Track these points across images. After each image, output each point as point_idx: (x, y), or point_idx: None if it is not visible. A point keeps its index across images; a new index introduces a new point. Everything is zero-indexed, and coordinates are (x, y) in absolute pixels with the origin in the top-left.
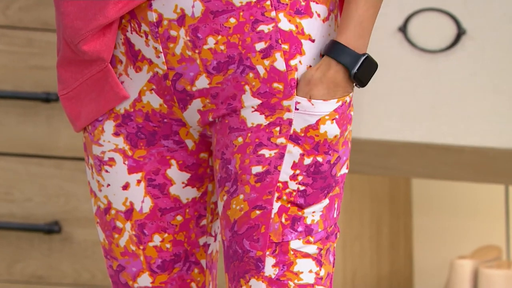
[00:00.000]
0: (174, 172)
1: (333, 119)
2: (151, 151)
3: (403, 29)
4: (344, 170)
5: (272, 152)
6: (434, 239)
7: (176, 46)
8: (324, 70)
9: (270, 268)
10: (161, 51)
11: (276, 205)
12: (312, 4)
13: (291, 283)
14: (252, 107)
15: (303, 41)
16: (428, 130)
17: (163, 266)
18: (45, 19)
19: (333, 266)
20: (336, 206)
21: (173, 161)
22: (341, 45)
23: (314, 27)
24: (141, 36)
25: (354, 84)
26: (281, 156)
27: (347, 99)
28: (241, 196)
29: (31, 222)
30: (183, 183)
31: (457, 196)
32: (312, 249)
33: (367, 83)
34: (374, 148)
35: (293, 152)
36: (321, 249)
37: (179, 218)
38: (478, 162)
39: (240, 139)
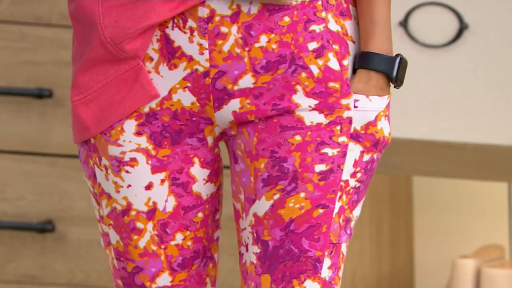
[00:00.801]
0: (196, 170)
1: (385, 116)
2: (175, 150)
3: (404, 23)
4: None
5: (335, 151)
6: (435, 238)
7: (225, 43)
8: (366, 81)
9: (326, 269)
10: (207, 47)
11: (337, 205)
12: (351, 7)
13: (336, 287)
14: (309, 106)
15: (348, 42)
16: (430, 127)
17: (183, 264)
18: (37, 14)
19: None
20: None
21: (195, 159)
22: (375, 54)
23: (354, 29)
24: (185, 32)
25: (394, 85)
26: (343, 154)
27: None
28: (302, 194)
29: (24, 221)
30: (204, 179)
31: (459, 194)
32: (345, 253)
33: (403, 82)
34: None
35: (354, 150)
36: (345, 254)
37: (200, 215)
38: (481, 159)
39: (298, 137)
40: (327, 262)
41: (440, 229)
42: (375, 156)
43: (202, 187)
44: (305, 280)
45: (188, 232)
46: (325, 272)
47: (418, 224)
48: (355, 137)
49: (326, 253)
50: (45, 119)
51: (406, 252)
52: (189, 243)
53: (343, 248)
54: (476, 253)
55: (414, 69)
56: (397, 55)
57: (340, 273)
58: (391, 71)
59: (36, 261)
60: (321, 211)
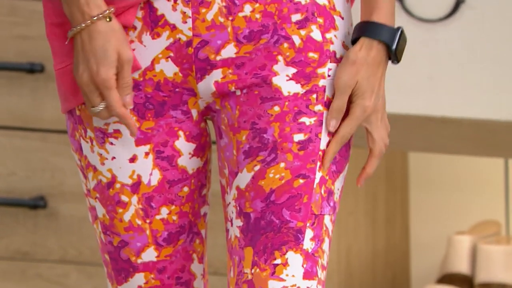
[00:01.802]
0: (182, 143)
1: None
2: (159, 123)
3: None
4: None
5: (312, 120)
6: (431, 214)
7: (208, 12)
8: (367, 50)
9: (308, 241)
10: (190, 16)
11: (318, 175)
12: None
13: (320, 261)
14: (287, 75)
15: (335, 16)
16: (426, 102)
17: (169, 239)
18: None
19: None
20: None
21: (180, 132)
22: (378, 24)
23: (342, 5)
24: (169, 0)
25: (391, 60)
26: (320, 123)
27: None
28: (282, 164)
29: (15, 197)
30: (189, 153)
31: (455, 170)
32: (331, 228)
33: (401, 58)
34: None
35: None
36: (332, 231)
37: (185, 189)
38: (477, 135)
39: (276, 108)
40: (309, 233)
41: (436, 205)
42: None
43: (187, 161)
44: (287, 251)
45: (173, 207)
46: (308, 244)
47: (414, 200)
48: (328, 105)
49: (308, 224)
50: (36, 94)
51: (402, 228)
52: (175, 217)
53: (326, 220)
54: (472, 229)
55: (411, 43)
56: (399, 28)
57: (324, 246)
58: (392, 42)
59: (28, 237)
60: (301, 181)
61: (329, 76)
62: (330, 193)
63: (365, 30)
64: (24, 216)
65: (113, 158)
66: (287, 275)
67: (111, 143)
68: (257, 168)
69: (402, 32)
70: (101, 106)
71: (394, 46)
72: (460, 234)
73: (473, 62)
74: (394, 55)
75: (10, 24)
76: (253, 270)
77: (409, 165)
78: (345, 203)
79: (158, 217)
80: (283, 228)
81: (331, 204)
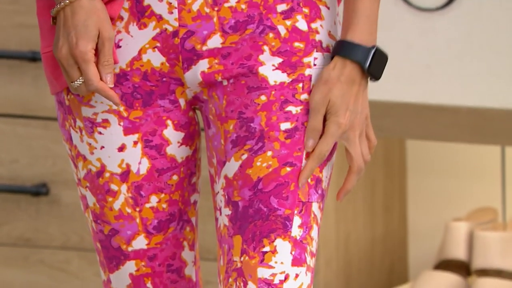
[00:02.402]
0: (170, 132)
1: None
2: (147, 112)
3: None
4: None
5: (298, 109)
6: (429, 201)
7: (194, 2)
8: (340, 69)
9: (296, 228)
10: (176, 6)
11: (305, 163)
12: None
13: (308, 248)
14: (273, 65)
15: (321, 6)
16: (424, 90)
17: (159, 227)
18: None
19: None
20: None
21: (169, 121)
22: (351, 43)
23: None
24: None
25: (369, 78)
26: (306, 112)
27: None
28: (269, 153)
29: (18, 184)
30: (178, 142)
31: (452, 157)
32: (319, 215)
33: (380, 76)
34: (369, 108)
35: None
36: (321, 218)
37: (175, 177)
38: (475, 122)
39: (263, 97)
40: (297, 220)
41: (433, 192)
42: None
43: (176, 150)
44: (275, 238)
45: (163, 195)
46: (296, 231)
47: (411, 187)
48: None
49: (296, 212)
50: (38, 82)
51: (400, 215)
52: (164, 205)
53: (315, 208)
54: (469, 216)
55: (408, 32)
56: (374, 46)
57: (313, 233)
58: (364, 62)
59: (31, 224)
60: (288, 169)
61: (315, 65)
62: (318, 181)
63: (339, 49)
64: (27, 203)
65: (102, 147)
66: (276, 262)
67: (100, 133)
68: (244, 157)
69: (377, 50)
70: (80, 80)
71: (366, 66)
72: (457, 221)
73: (470, 51)
74: (369, 73)
75: (11, 12)
76: (242, 258)
77: (407, 153)
78: None
79: (147, 205)
80: (271, 216)
81: (319, 191)
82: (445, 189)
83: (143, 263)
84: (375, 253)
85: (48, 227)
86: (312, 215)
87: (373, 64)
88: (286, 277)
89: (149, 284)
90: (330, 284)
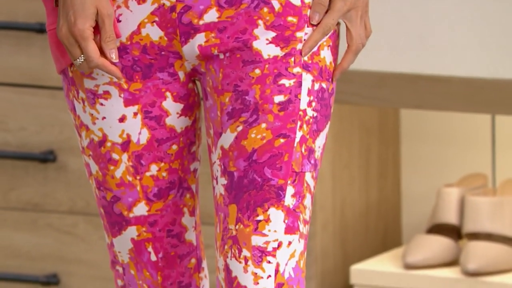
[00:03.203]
0: (169, 104)
1: (328, 46)
2: (146, 84)
3: None
4: (332, 104)
5: (291, 81)
6: (422, 168)
7: None
8: None
9: (289, 197)
10: None
11: (298, 134)
12: None
13: (301, 216)
14: (267, 39)
15: None
16: (417, 61)
17: (159, 194)
18: None
19: None
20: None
21: (168, 93)
22: None
23: None
24: None
25: None
26: (299, 84)
27: (337, 28)
28: (264, 125)
29: (26, 151)
30: (177, 113)
31: (444, 125)
32: (313, 184)
33: None
34: (364, 79)
35: (307, 79)
36: (315, 187)
37: (174, 147)
38: (466, 92)
39: (257, 71)
40: (290, 190)
41: (426, 159)
42: (323, 85)
43: (175, 121)
44: (269, 208)
45: (162, 164)
46: (289, 200)
47: (405, 155)
48: (305, 67)
49: (289, 182)
50: (45, 53)
51: (394, 181)
52: (164, 174)
53: (308, 177)
54: (460, 181)
55: (402, 4)
56: None
57: (306, 202)
58: None
59: (39, 189)
60: (282, 140)
61: (305, 40)
62: (310, 151)
63: None
64: (35, 169)
65: (104, 118)
66: (269, 230)
67: (101, 104)
68: (239, 128)
69: None
70: (81, 58)
71: None
72: (449, 187)
73: (462, 22)
74: None
75: None
76: (237, 226)
77: (401, 121)
78: (340, 157)
79: (148, 173)
80: (265, 185)
81: (312, 161)
82: (437, 156)
83: (144, 229)
84: (370, 218)
85: (55, 192)
86: (305, 185)
87: None
88: (279, 245)
89: (150, 249)
90: (327, 247)
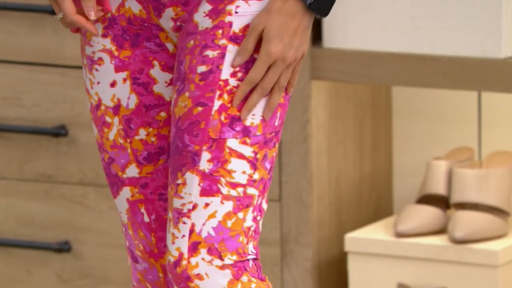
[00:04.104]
0: (156, 72)
1: None
2: (135, 52)
3: None
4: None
5: (215, 53)
6: (412, 142)
7: None
8: (282, 2)
9: (205, 162)
10: None
11: (217, 103)
12: None
13: (222, 179)
14: (204, 12)
15: None
16: (408, 41)
17: (149, 158)
18: None
19: (269, 174)
20: (278, 114)
21: (155, 62)
22: None
23: None
24: None
25: (315, 14)
26: (222, 56)
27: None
28: (187, 94)
29: (39, 126)
30: (166, 82)
31: (433, 102)
32: (247, 151)
33: (327, 13)
34: (358, 58)
35: (233, 51)
36: (256, 153)
37: (163, 114)
38: (454, 70)
39: (192, 42)
40: (205, 155)
41: (416, 134)
42: (255, 55)
43: (163, 89)
44: (185, 172)
45: (151, 129)
46: (204, 165)
47: (396, 130)
48: (234, 39)
49: (205, 148)
50: (58, 34)
51: (386, 154)
52: (153, 139)
53: (232, 143)
54: (448, 155)
55: None
56: None
57: (228, 167)
58: None
59: (51, 162)
60: (200, 109)
61: (236, 13)
62: (233, 118)
63: None
64: (48, 143)
65: (98, 82)
66: (185, 193)
67: (96, 70)
68: (174, 96)
69: None
70: (60, 14)
71: (308, 2)
72: (437, 159)
73: (451, 4)
74: (311, 10)
75: None
76: (169, 188)
77: (393, 98)
78: (335, 132)
79: (137, 137)
80: (184, 151)
81: (238, 128)
82: (427, 131)
83: (136, 190)
84: (363, 189)
85: (67, 165)
86: (227, 150)
87: (316, 2)
88: (194, 206)
89: (142, 210)
90: (323, 217)
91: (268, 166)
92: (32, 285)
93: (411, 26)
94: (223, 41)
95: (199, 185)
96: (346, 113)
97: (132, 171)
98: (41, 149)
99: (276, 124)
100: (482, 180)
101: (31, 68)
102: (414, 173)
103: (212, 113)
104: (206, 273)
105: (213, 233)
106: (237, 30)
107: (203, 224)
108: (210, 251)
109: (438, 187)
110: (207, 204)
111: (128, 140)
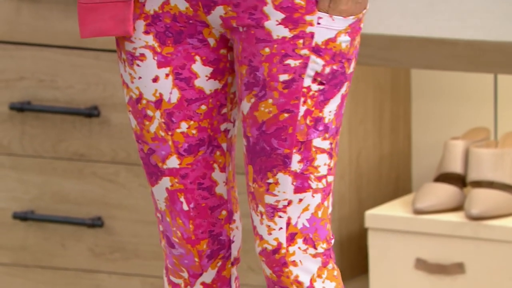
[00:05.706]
0: (198, 67)
1: (346, 33)
2: (177, 48)
3: None
4: (351, 70)
5: (297, 62)
6: (430, 123)
7: None
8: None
9: (296, 163)
10: None
11: (302, 109)
12: None
13: (312, 176)
14: (276, 20)
15: None
16: (427, 26)
17: (189, 150)
18: None
19: (337, 155)
20: (344, 104)
21: (197, 57)
22: None
23: None
24: None
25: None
26: (304, 65)
27: (361, 16)
28: (270, 101)
29: (73, 107)
30: (206, 76)
31: (451, 84)
32: (326, 144)
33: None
34: (378, 42)
35: (315, 62)
36: (331, 143)
37: (203, 107)
38: (471, 54)
39: (267, 50)
40: (296, 157)
41: (434, 115)
42: (334, 67)
43: (204, 83)
44: (277, 173)
45: (192, 122)
46: (295, 166)
47: (415, 111)
48: (316, 50)
49: (294, 151)
50: None
51: (405, 134)
52: (194, 131)
53: (316, 142)
54: (465, 135)
55: None
56: None
57: (315, 163)
58: None
59: (84, 141)
60: (286, 115)
61: (318, 24)
62: (317, 120)
63: None
64: (81, 123)
65: (140, 77)
66: (278, 191)
67: (138, 65)
68: (252, 100)
69: None
70: None
71: None
72: (454, 139)
73: None
74: None
75: None
76: (254, 185)
77: (411, 81)
78: (356, 113)
79: (178, 130)
80: (273, 154)
81: (320, 128)
82: (445, 112)
83: (176, 180)
84: (382, 168)
85: (99, 144)
86: (313, 149)
87: None
88: (289, 203)
89: (182, 199)
90: (344, 195)
91: (337, 150)
92: (67, 259)
93: (429, 11)
94: (305, 51)
95: (292, 184)
96: (366, 95)
97: (173, 162)
98: (74, 129)
99: (342, 112)
100: (498, 159)
101: (65, 51)
102: (432, 153)
103: (299, 118)
104: (300, 260)
105: (307, 225)
106: (319, 43)
107: (298, 217)
108: (305, 241)
109: (455, 166)
110: (300, 200)
111: (170, 133)
